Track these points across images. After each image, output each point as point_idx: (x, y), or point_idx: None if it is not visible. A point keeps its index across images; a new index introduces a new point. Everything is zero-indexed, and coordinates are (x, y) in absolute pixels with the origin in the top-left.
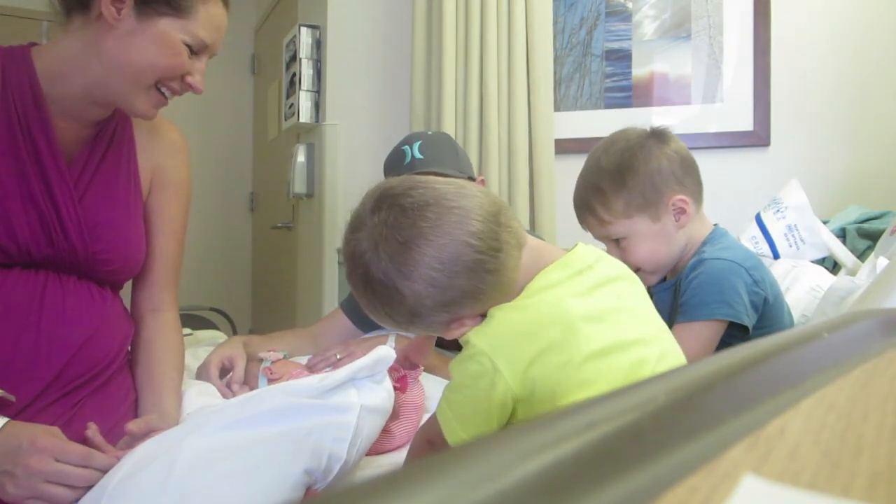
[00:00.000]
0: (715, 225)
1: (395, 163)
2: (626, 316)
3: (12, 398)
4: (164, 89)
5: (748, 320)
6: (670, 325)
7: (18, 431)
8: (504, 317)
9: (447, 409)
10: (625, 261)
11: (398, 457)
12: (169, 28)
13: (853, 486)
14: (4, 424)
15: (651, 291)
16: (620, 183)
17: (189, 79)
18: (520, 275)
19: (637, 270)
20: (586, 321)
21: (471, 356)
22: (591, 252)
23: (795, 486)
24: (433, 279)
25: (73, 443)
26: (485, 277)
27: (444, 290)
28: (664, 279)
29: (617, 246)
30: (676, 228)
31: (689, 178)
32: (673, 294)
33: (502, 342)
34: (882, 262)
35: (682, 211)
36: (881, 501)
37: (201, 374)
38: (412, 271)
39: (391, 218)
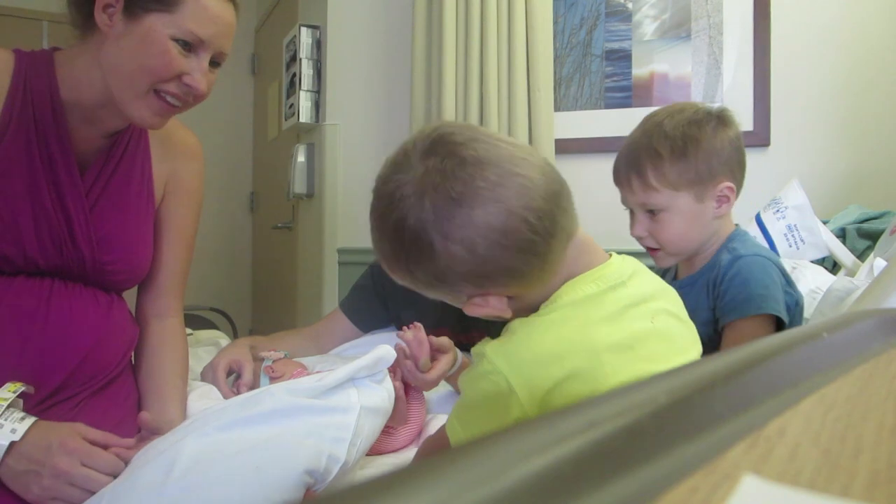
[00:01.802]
0: (736, 224)
1: None
2: (660, 343)
3: (32, 390)
4: (165, 94)
5: (787, 318)
6: (707, 323)
7: (48, 432)
8: (526, 335)
9: (457, 425)
10: (653, 234)
11: (398, 457)
12: (155, 23)
13: (853, 486)
14: (33, 424)
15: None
16: (681, 153)
17: (186, 78)
18: (561, 267)
19: (656, 250)
20: (613, 350)
21: (485, 373)
22: (627, 265)
23: (795, 486)
24: (474, 246)
25: (100, 450)
26: (530, 260)
27: (482, 261)
28: (674, 275)
29: (650, 218)
30: (713, 216)
31: (739, 170)
32: (706, 293)
33: (521, 363)
34: (880, 262)
35: (727, 199)
36: (881, 501)
37: (207, 375)
38: (455, 231)
39: (448, 167)
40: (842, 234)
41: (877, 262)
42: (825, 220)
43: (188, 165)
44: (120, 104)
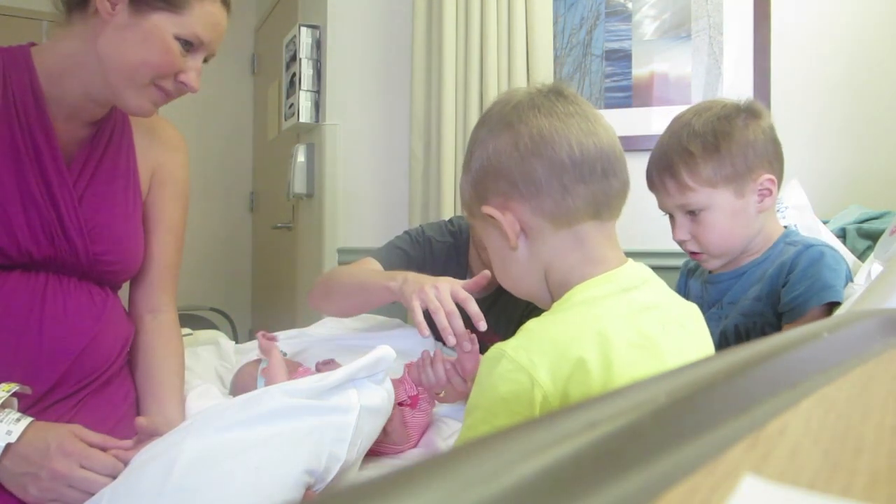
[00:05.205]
0: (786, 227)
1: None
2: (671, 351)
3: (28, 390)
4: (161, 88)
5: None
6: (757, 314)
7: (45, 433)
8: (542, 328)
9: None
10: (696, 237)
11: (398, 458)
12: (161, 22)
13: (853, 486)
14: (29, 424)
15: (709, 279)
16: (713, 149)
17: (182, 76)
18: (576, 247)
19: (699, 254)
20: (624, 345)
21: (504, 374)
22: (641, 271)
23: (795, 486)
24: (520, 146)
25: (98, 451)
26: (547, 182)
27: (520, 162)
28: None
29: (691, 220)
30: (757, 211)
31: (777, 161)
32: (764, 285)
33: (541, 352)
34: (876, 267)
35: (769, 192)
36: (881, 501)
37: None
38: (523, 127)
39: (553, 101)
40: (842, 234)
41: (874, 268)
42: (825, 220)
43: (173, 157)
44: (116, 92)
